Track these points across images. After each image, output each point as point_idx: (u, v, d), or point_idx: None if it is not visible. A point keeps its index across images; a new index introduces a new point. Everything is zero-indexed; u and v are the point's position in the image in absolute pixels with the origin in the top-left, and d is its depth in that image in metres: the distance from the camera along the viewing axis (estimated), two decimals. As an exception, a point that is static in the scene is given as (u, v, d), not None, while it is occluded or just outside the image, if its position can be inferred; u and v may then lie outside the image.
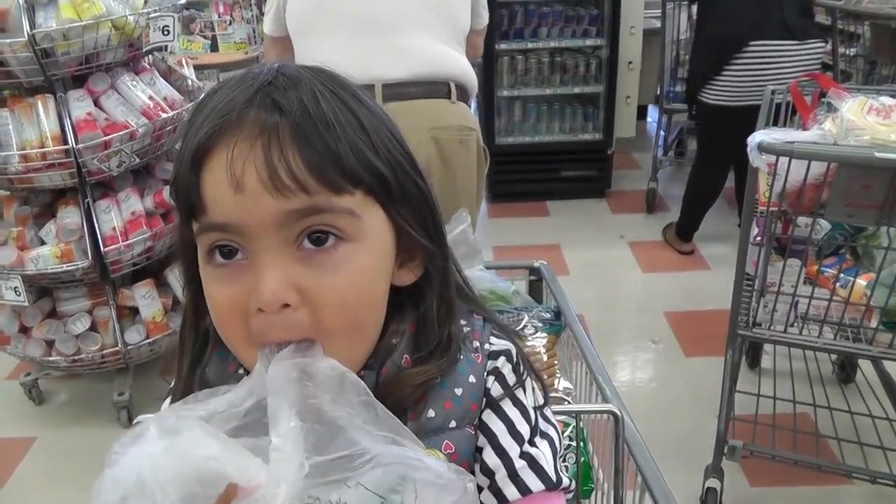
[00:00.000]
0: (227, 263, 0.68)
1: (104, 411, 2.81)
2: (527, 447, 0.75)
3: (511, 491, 0.74)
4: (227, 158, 0.64)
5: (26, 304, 2.56)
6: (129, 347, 2.68)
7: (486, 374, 0.76)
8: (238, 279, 0.67)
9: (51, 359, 2.67)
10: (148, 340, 2.71)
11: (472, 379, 0.75)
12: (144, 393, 2.85)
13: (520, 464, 0.74)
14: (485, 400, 0.75)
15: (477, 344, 0.77)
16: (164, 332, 2.73)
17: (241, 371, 0.75)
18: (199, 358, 0.80)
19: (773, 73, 3.24)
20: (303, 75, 0.69)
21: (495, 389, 0.76)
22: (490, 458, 0.75)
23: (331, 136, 0.65)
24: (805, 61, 3.24)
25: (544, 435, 0.78)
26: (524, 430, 0.76)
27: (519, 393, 0.77)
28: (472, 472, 0.74)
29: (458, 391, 0.74)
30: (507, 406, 0.76)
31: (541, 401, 0.81)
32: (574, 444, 1.23)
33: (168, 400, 0.83)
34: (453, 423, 0.73)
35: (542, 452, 0.76)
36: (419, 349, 0.75)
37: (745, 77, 3.35)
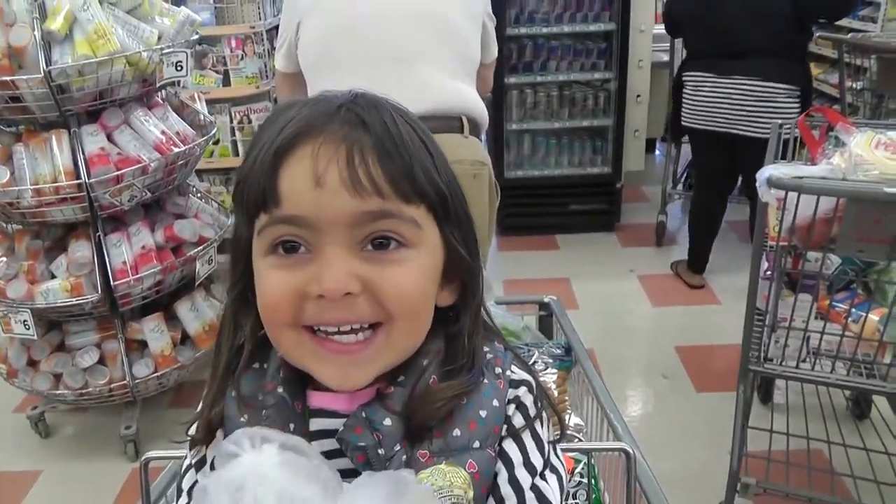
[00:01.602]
0: (290, 256, 0.71)
1: (111, 445, 2.79)
2: (538, 479, 0.77)
3: None
4: (311, 156, 0.69)
5: (35, 337, 2.57)
6: (137, 381, 2.68)
7: (507, 400, 0.79)
8: (299, 268, 0.71)
9: (58, 392, 2.67)
10: (156, 374, 2.71)
11: (495, 403, 0.78)
12: (152, 426, 2.84)
13: (529, 496, 0.76)
14: (506, 427, 0.78)
15: (499, 370, 0.80)
16: (173, 365, 2.73)
17: (279, 389, 0.77)
18: (234, 363, 0.81)
19: (715, 102, 3.41)
20: (380, 100, 0.76)
21: (517, 419, 0.79)
22: (504, 486, 0.76)
23: (406, 153, 0.72)
24: (741, 96, 3.33)
25: (554, 469, 0.80)
26: (538, 462, 0.78)
27: (537, 425, 0.80)
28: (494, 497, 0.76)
29: (483, 413, 0.76)
30: (527, 437, 0.79)
31: (552, 437, 0.83)
32: (586, 480, 1.22)
33: (199, 408, 0.82)
34: (477, 444, 0.75)
35: (551, 487, 0.78)
36: (446, 369, 0.78)
37: (693, 101, 3.53)
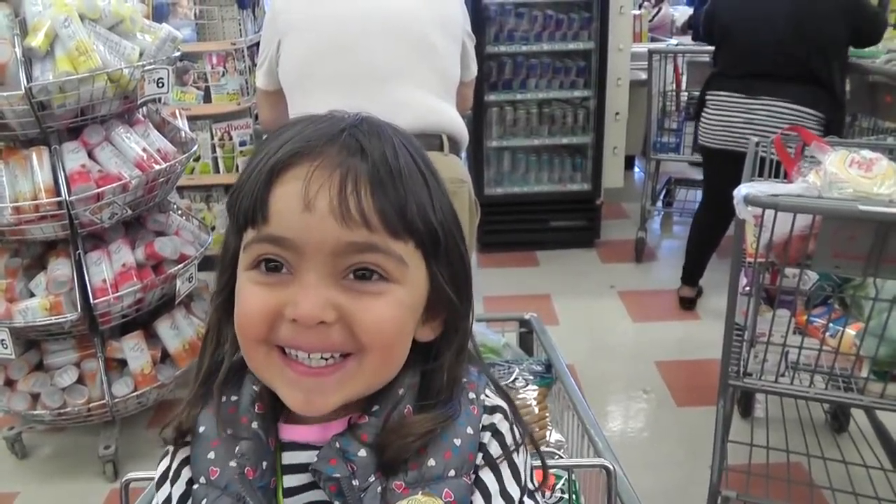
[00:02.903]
0: (271, 275, 0.71)
1: (89, 465, 2.76)
2: None
3: None
4: (304, 178, 0.69)
5: (13, 356, 2.54)
6: (117, 400, 2.65)
7: (482, 426, 0.78)
8: (278, 288, 0.71)
9: (36, 412, 2.63)
10: (136, 393, 2.68)
11: (469, 430, 0.77)
12: (131, 446, 2.81)
13: None
14: (481, 455, 0.77)
15: (473, 396, 0.79)
16: (153, 384, 2.71)
17: (254, 425, 0.76)
18: (215, 373, 0.81)
19: (739, 123, 3.36)
20: (385, 127, 0.76)
21: (493, 448, 0.78)
22: None
23: (402, 186, 0.71)
24: (767, 117, 3.28)
25: (531, 496, 0.80)
26: (514, 491, 0.77)
27: (515, 455, 0.79)
28: None
29: (458, 441, 0.75)
30: (503, 466, 0.78)
31: (530, 463, 0.82)
32: (567, 496, 1.22)
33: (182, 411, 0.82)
34: (452, 472, 0.74)
35: None
36: (422, 401, 0.77)
37: (714, 121, 3.48)
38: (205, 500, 0.75)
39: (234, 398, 0.79)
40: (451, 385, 0.78)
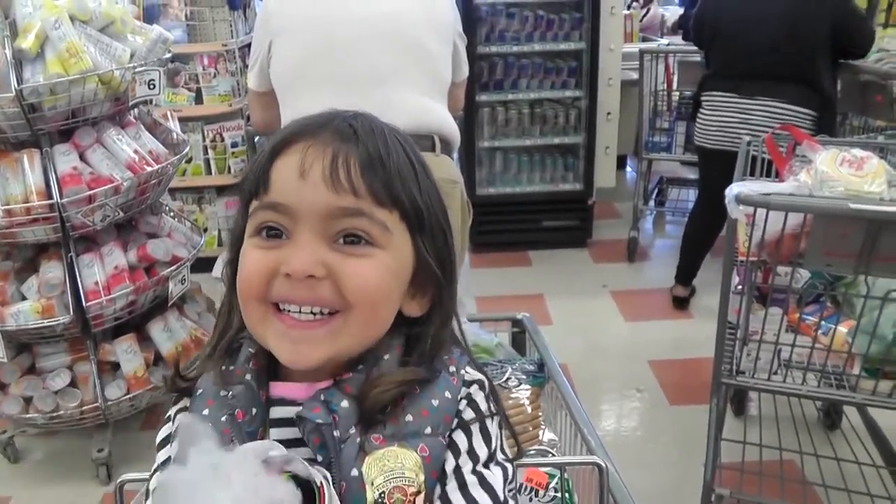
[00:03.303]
0: (271, 240, 0.79)
1: (82, 468, 2.75)
2: (480, 467, 0.82)
3: (459, 501, 0.79)
4: (301, 152, 0.79)
5: (5, 360, 2.54)
6: (110, 403, 2.65)
7: (459, 396, 0.84)
8: (275, 250, 0.79)
9: (28, 415, 2.62)
10: (128, 396, 2.68)
11: (447, 394, 0.83)
12: (124, 449, 2.80)
13: (471, 479, 0.81)
14: (457, 421, 0.83)
15: (453, 369, 0.86)
16: (146, 386, 2.70)
17: (247, 377, 0.83)
18: (227, 326, 0.89)
19: (734, 123, 3.37)
20: (381, 124, 0.85)
21: (468, 413, 0.83)
22: (448, 471, 0.81)
23: (389, 165, 0.80)
24: (762, 117, 3.29)
25: (500, 465, 0.84)
26: (482, 452, 0.83)
27: (487, 420, 0.85)
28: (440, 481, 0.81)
29: (435, 402, 0.81)
30: (475, 428, 0.83)
31: (502, 440, 0.88)
32: (559, 495, 1.22)
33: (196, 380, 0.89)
34: (429, 430, 0.80)
35: (494, 476, 0.82)
36: (404, 360, 0.84)
37: (709, 121, 3.49)
38: None
39: (231, 367, 0.86)
40: (434, 353, 0.85)
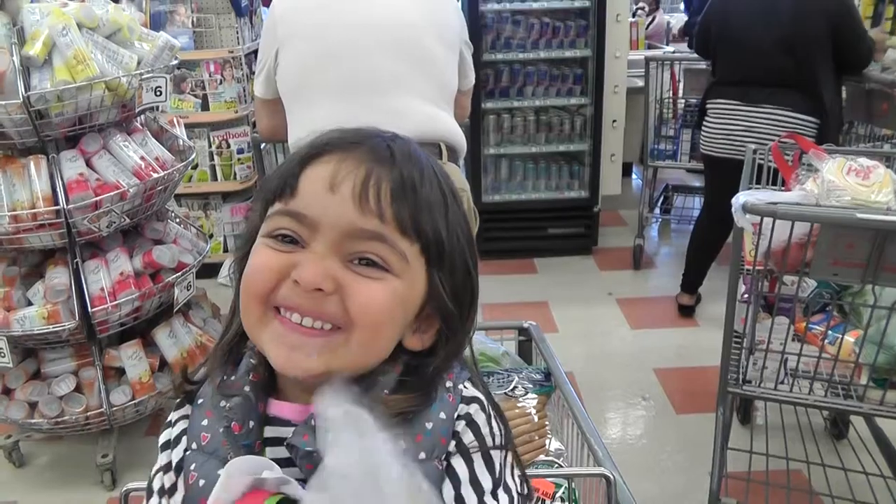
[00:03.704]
0: (285, 245, 0.77)
1: (87, 474, 2.75)
2: (487, 497, 0.78)
3: None
4: (335, 165, 0.77)
5: (11, 365, 2.54)
6: (115, 408, 2.65)
7: (456, 415, 0.80)
8: (289, 254, 0.77)
9: (33, 421, 2.62)
10: (134, 401, 2.68)
11: (442, 415, 0.79)
12: (129, 455, 2.80)
13: None
14: (455, 443, 0.79)
15: (450, 384, 0.82)
16: (151, 392, 2.70)
17: (246, 388, 0.81)
18: (231, 326, 0.87)
19: (739, 131, 3.36)
20: (417, 149, 0.83)
21: (467, 437, 0.79)
22: (446, 494, 0.77)
23: (420, 194, 0.78)
24: (767, 125, 3.29)
25: (507, 490, 0.80)
26: (486, 481, 0.79)
27: (488, 444, 0.80)
28: None
29: (429, 425, 0.78)
30: (476, 456, 0.79)
31: (510, 459, 0.83)
32: (567, 505, 1.22)
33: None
34: (423, 455, 0.76)
35: None
36: (399, 390, 0.79)
37: (715, 129, 3.49)
38: (194, 465, 0.80)
39: (233, 378, 0.84)
40: (433, 381, 0.81)
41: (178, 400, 0.89)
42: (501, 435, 0.82)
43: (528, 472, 0.90)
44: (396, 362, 0.81)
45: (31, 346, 2.68)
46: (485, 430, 0.80)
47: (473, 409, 0.81)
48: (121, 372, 2.72)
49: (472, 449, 0.79)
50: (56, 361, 2.69)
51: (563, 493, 1.22)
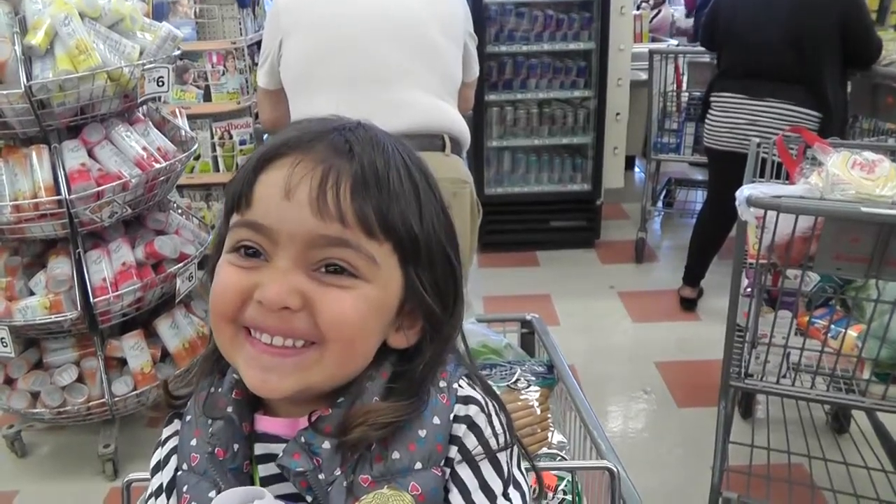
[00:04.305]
0: (248, 259, 0.73)
1: (89, 464, 2.75)
2: (500, 501, 0.76)
3: None
4: (288, 168, 0.71)
5: (13, 355, 2.53)
6: (116, 399, 2.65)
7: (452, 417, 0.76)
8: (252, 272, 0.73)
9: (35, 410, 2.63)
10: (135, 392, 2.68)
11: (436, 420, 0.75)
12: (131, 445, 2.81)
13: None
14: (456, 448, 0.76)
15: (444, 384, 0.78)
16: (152, 383, 2.70)
17: (229, 409, 0.78)
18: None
19: (742, 124, 3.36)
20: (383, 136, 0.77)
21: (470, 442, 0.76)
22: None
23: (385, 192, 0.72)
24: (770, 118, 3.28)
25: (517, 486, 0.78)
26: (497, 485, 0.76)
27: (493, 445, 0.77)
28: None
29: (422, 433, 0.75)
30: (483, 463, 0.77)
31: (517, 452, 0.81)
32: (569, 497, 1.22)
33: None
34: (419, 465, 0.74)
35: None
36: (389, 395, 0.76)
37: (718, 122, 3.48)
38: (186, 486, 0.77)
39: (219, 390, 0.81)
40: (422, 382, 0.77)
41: (168, 415, 0.86)
42: (505, 433, 0.78)
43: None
44: (383, 366, 0.78)
45: (33, 336, 2.69)
46: (488, 433, 0.77)
47: (473, 410, 0.77)
48: (123, 362, 2.72)
49: (479, 457, 0.76)
50: (58, 351, 2.70)
51: (566, 486, 1.22)
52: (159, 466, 0.83)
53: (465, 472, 0.76)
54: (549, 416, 1.42)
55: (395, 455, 0.73)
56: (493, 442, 0.77)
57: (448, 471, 0.75)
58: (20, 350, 2.64)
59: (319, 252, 0.71)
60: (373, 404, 0.74)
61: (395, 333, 0.78)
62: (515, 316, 1.71)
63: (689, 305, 3.86)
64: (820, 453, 2.31)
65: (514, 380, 1.44)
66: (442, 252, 0.78)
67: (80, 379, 2.66)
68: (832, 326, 1.98)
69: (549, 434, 1.39)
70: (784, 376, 2.00)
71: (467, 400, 0.78)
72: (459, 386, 0.79)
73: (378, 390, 0.76)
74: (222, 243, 0.77)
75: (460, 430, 0.76)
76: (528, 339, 1.70)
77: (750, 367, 2.04)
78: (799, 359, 1.96)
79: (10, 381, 2.66)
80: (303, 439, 0.73)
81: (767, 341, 1.98)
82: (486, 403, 0.79)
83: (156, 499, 0.81)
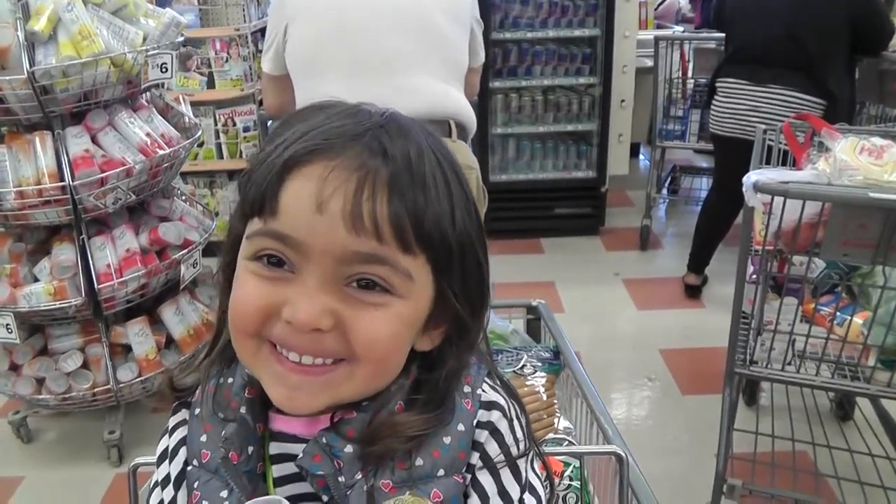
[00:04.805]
0: (272, 269, 0.69)
1: (94, 450, 2.77)
2: None
3: None
4: (320, 177, 0.66)
5: (17, 341, 2.54)
6: (121, 385, 2.66)
7: (475, 422, 0.75)
8: (278, 285, 0.68)
9: (41, 397, 2.64)
10: (140, 378, 2.68)
11: (460, 427, 0.74)
12: (136, 431, 2.81)
13: None
14: (478, 455, 0.74)
15: (468, 389, 0.77)
16: (157, 369, 2.71)
17: (242, 410, 0.76)
18: (220, 334, 0.81)
19: (746, 111, 3.34)
20: (413, 129, 0.72)
21: (492, 449, 0.75)
22: None
23: (422, 195, 0.67)
24: (773, 105, 3.26)
25: (533, 490, 0.78)
26: (514, 490, 0.75)
27: (513, 452, 0.76)
28: None
29: (447, 440, 0.73)
30: (504, 470, 0.76)
31: (531, 455, 0.80)
32: (576, 483, 1.22)
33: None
34: (441, 472, 0.72)
35: None
36: (414, 399, 0.75)
37: (723, 108, 3.47)
38: (196, 483, 0.76)
39: (230, 380, 0.78)
40: (449, 384, 0.75)
41: (174, 404, 0.84)
42: (524, 438, 0.77)
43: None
44: (408, 370, 0.76)
45: (38, 322, 2.69)
46: (509, 440, 0.75)
47: (495, 416, 0.76)
48: (127, 349, 2.72)
49: (500, 464, 0.75)
50: (63, 338, 2.70)
51: (572, 472, 1.22)
52: (167, 454, 0.81)
53: (485, 478, 0.75)
54: (556, 401, 1.42)
55: (419, 462, 0.72)
56: (513, 449, 0.76)
57: (469, 477, 0.74)
58: (25, 336, 2.65)
59: (352, 267, 0.67)
60: (401, 417, 0.72)
61: (421, 337, 0.75)
62: (521, 302, 1.71)
63: (693, 293, 3.85)
64: (824, 440, 2.31)
65: (520, 366, 1.44)
66: (473, 256, 0.74)
67: (84, 365, 2.67)
68: (838, 313, 1.97)
69: (556, 420, 1.38)
70: (789, 363, 2.00)
71: (491, 406, 0.76)
72: (483, 391, 0.77)
73: (403, 395, 0.74)
74: (235, 242, 0.73)
75: (482, 435, 0.75)
76: (534, 324, 1.70)
77: (755, 355, 2.04)
78: (804, 346, 1.95)
79: (15, 368, 2.67)
80: (324, 440, 0.71)
81: (773, 328, 1.97)
82: (509, 407, 0.77)
83: (162, 489, 0.80)
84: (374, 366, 0.70)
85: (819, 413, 2.47)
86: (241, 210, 0.72)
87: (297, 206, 0.66)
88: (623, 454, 1.09)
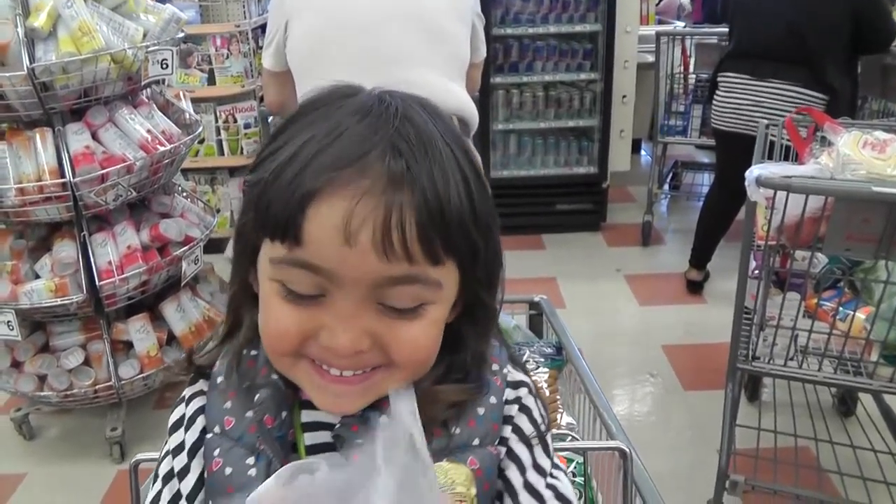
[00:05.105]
0: (304, 298, 0.68)
1: (96, 447, 2.77)
2: (549, 479, 0.78)
3: None
4: (347, 209, 0.64)
5: (19, 338, 2.54)
6: (123, 382, 2.65)
7: (505, 399, 0.79)
8: (311, 309, 0.68)
9: (43, 393, 2.64)
10: (142, 375, 2.68)
11: (492, 400, 0.77)
12: (138, 428, 2.82)
13: (547, 493, 0.77)
14: (510, 429, 0.78)
15: (496, 367, 0.80)
16: (159, 366, 2.71)
17: (273, 376, 0.76)
18: (233, 331, 0.82)
19: (747, 105, 3.33)
20: (429, 134, 0.69)
21: (524, 424, 0.79)
22: (521, 493, 0.76)
23: (448, 210, 0.66)
24: (774, 100, 3.25)
25: (556, 465, 0.81)
26: (546, 464, 0.79)
27: (544, 429, 0.81)
28: (495, 492, 0.77)
29: (481, 411, 0.76)
30: (535, 443, 0.79)
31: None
32: (579, 479, 1.21)
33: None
34: (476, 441, 0.75)
35: (564, 484, 0.79)
36: (447, 371, 0.77)
37: (724, 103, 3.46)
38: (217, 450, 0.75)
39: (253, 352, 0.79)
40: (478, 361, 0.78)
41: (191, 375, 0.84)
42: (545, 417, 0.82)
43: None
44: (441, 350, 0.77)
45: (39, 319, 2.69)
46: (537, 415, 0.80)
47: (523, 392, 0.80)
48: (129, 346, 2.72)
49: (532, 438, 0.79)
50: (64, 335, 2.70)
51: (576, 468, 1.22)
52: (182, 422, 0.80)
53: (520, 449, 0.78)
54: (558, 397, 1.42)
55: (456, 430, 0.75)
56: (542, 425, 0.80)
57: (504, 450, 0.77)
58: (26, 333, 2.65)
59: (385, 291, 0.67)
60: (440, 387, 0.75)
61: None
62: (523, 297, 1.70)
63: (695, 288, 3.85)
64: (826, 436, 2.31)
65: (523, 361, 1.43)
66: (493, 243, 0.75)
67: (86, 362, 2.67)
68: (840, 309, 1.97)
69: (559, 416, 1.38)
70: (791, 359, 2.00)
71: (518, 384, 0.81)
72: (508, 370, 0.81)
73: (436, 373, 0.76)
74: (250, 252, 0.72)
75: (512, 410, 0.79)
76: (537, 320, 1.69)
77: (757, 350, 2.03)
78: (807, 341, 1.95)
79: (17, 365, 2.67)
80: (360, 412, 0.73)
81: (775, 323, 1.96)
82: (531, 386, 0.82)
83: (174, 457, 0.79)
84: (413, 368, 0.72)
85: (821, 409, 2.47)
86: (255, 223, 0.69)
87: (323, 237, 0.65)
88: (627, 450, 1.08)
